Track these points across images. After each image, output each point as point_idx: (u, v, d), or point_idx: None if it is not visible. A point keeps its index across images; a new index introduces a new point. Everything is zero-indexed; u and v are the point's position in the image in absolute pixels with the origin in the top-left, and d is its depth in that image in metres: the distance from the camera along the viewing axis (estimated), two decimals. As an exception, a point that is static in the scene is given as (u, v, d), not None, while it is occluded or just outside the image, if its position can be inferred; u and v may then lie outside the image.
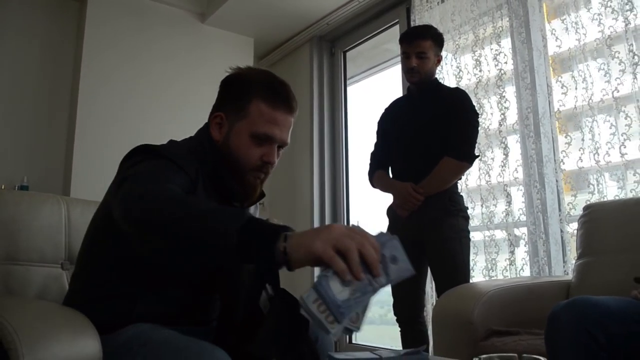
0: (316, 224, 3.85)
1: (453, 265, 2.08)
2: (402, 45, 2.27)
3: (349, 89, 4.10)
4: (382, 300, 4.02)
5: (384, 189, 2.33)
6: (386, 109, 2.45)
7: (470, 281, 2.17)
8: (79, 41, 3.58)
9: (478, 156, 2.25)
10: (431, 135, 2.18)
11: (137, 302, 1.12)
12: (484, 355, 0.82)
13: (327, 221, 3.87)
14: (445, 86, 2.43)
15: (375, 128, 2.46)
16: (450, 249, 2.09)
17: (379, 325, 4.15)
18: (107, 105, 3.45)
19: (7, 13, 3.47)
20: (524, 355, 0.81)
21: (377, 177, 2.34)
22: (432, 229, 2.12)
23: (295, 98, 1.27)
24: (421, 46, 2.20)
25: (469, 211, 2.28)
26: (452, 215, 2.14)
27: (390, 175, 2.34)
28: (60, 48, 3.63)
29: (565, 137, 2.38)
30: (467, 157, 2.14)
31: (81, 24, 3.57)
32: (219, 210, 0.89)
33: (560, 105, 2.43)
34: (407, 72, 2.25)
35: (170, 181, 1.04)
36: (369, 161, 2.41)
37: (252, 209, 1.42)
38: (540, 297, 1.81)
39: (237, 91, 1.26)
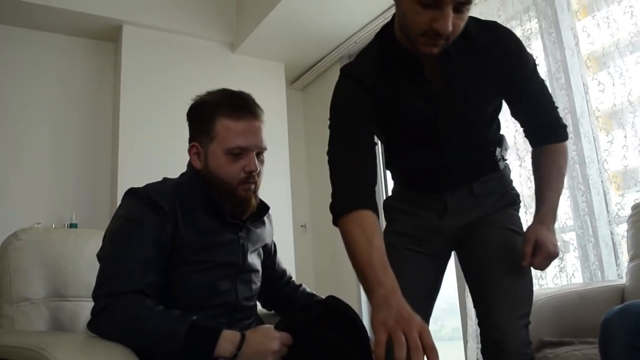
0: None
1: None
2: None
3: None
4: (435, 316, 3.95)
5: None
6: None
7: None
8: (116, 80, 3.72)
9: None
10: (477, 116, 1.36)
11: None
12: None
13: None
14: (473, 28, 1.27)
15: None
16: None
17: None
18: (147, 138, 3.55)
19: (48, 56, 3.65)
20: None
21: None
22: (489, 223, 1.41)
23: (256, 103, 1.33)
24: None
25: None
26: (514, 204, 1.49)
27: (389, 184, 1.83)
28: (99, 88, 3.78)
29: (607, 135, 2.30)
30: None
31: (117, 63, 3.72)
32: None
33: (598, 104, 2.36)
34: (431, 36, 1.13)
35: (142, 246, 1.20)
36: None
37: (267, 228, 1.46)
38: (593, 303, 1.73)
39: (201, 117, 1.34)
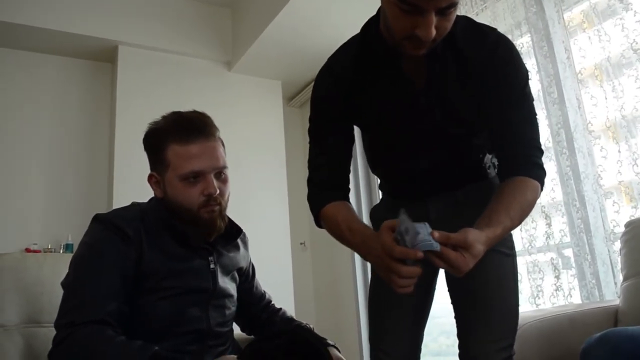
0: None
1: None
2: None
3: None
4: (448, 331, 3.87)
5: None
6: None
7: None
8: (112, 100, 3.73)
9: None
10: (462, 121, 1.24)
11: None
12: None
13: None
14: (460, 31, 1.16)
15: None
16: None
17: (446, 357, 3.99)
18: (143, 158, 3.50)
19: (45, 77, 3.67)
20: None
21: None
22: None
23: (208, 122, 1.29)
24: None
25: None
26: None
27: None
28: (96, 108, 3.79)
29: (601, 150, 2.25)
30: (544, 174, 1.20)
31: (113, 84, 3.73)
32: None
33: (592, 118, 2.31)
34: (414, 41, 1.05)
35: (105, 276, 1.17)
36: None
37: (242, 252, 1.43)
38: (585, 325, 1.66)
39: (153, 146, 1.32)
